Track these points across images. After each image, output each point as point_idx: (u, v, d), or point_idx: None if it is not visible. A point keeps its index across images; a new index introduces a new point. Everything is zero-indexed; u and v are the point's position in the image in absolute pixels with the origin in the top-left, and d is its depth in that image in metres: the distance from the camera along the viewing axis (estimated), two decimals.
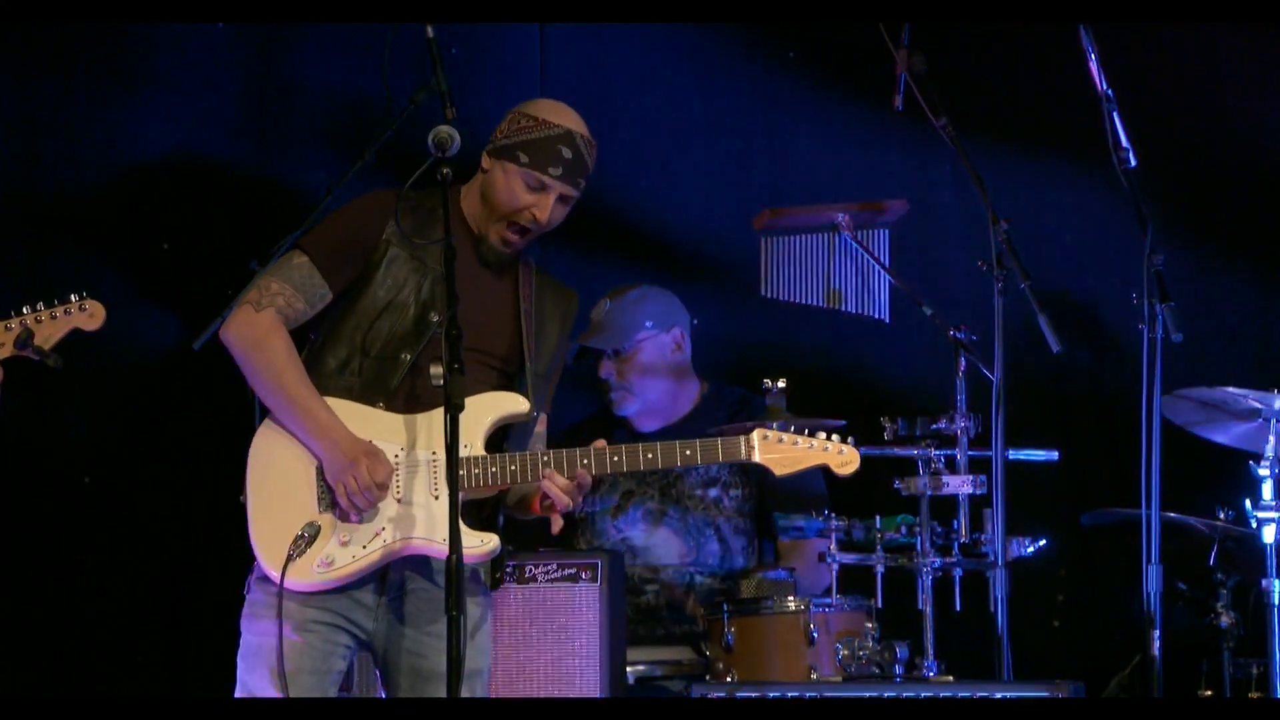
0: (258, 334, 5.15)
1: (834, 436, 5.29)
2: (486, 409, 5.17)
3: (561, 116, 5.26)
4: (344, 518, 5.13)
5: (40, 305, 5.05)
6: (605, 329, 6.87)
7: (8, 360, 5.04)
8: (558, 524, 5.25)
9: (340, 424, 5.13)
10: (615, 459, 5.19)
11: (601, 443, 5.20)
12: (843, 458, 5.29)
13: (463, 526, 4.82)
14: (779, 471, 5.26)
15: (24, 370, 5.11)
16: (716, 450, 5.23)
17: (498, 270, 5.31)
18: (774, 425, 5.28)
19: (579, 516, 6.86)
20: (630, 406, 6.89)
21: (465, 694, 5.03)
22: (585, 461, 5.16)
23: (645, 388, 6.89)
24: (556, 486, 5.15)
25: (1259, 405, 6.14)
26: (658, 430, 6.85)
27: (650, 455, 5.21)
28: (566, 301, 5.45)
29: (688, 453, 5.21)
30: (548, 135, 5.22)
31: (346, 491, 5.08)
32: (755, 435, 5.24)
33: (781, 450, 5.26)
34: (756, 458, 5.24)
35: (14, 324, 5.05)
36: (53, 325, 5.05)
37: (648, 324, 6.89)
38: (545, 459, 5.15)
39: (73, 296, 5.08)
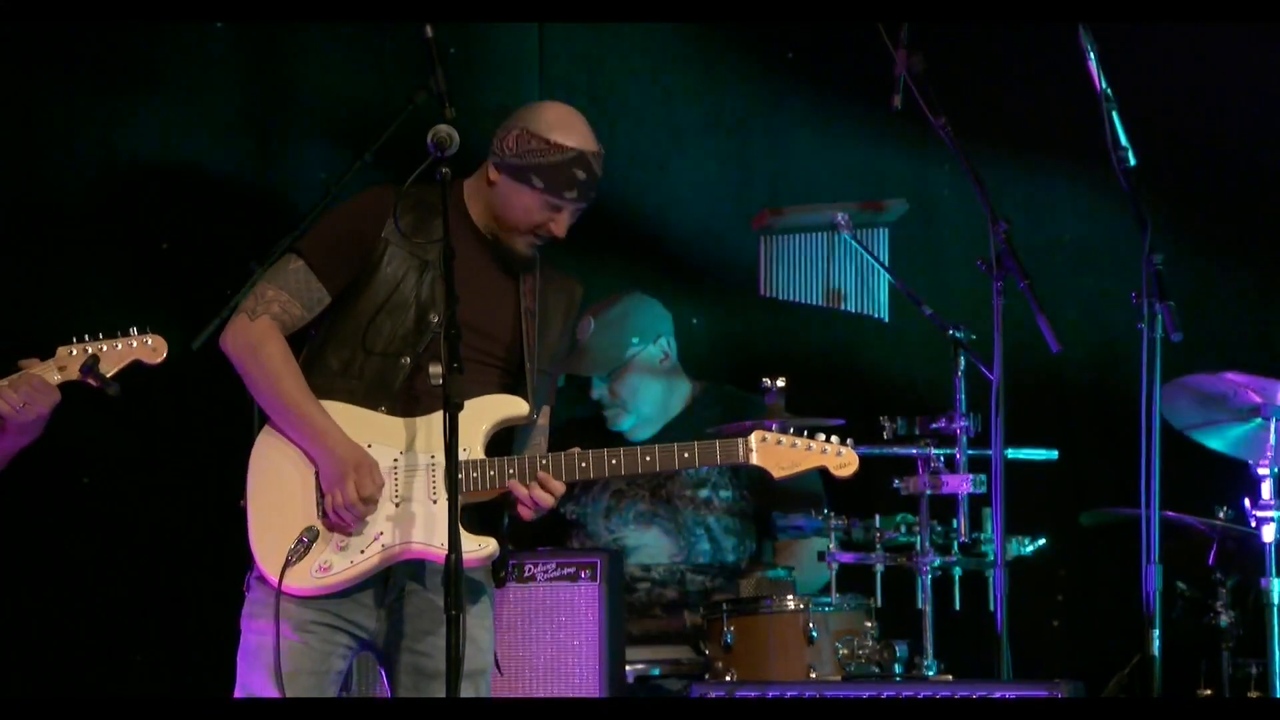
0: (253, 342, 5.14)
1: (833, 438, 5.20)
2: (486, 412, 5.14)
3: (570, 135, 5.17)
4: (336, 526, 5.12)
5: (101, 335, 5.12)
6: (592, 353, 6.81)
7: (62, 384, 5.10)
8: (524, 515, 5.20)
9: (337, 431, 5.11)
10: (613, 462, 5.12)
11: (576, 450, 5.17)
12: (841, 460, 5.19)
13: (461, 530, 4.81)
14: (777, 474, 5.16)
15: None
16: (715, 453, 5.14)
17: (502, 268, 5.28)
18: (772, 425, 5.23)
19: (571, 518, 6.85)
20: (625, 422, 6.86)
21: (470, 693, 5.05)
22: (583, 465, 5.12)
23: (639, 403, 6.86)
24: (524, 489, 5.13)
25: (1259, 399, 6.14)
26: (652, 438, 6.81)
27: (649, 458, 5.13)
28: (570, 291, 5.38)
29: (685, 455, 5.13)
30: (561, 160, 5.14)
31: (333, 506, 5.09)
32: (754, 438, 5.15)
33: (780, 452, 5.16)
34: (755, 460, 5.15)
35: (76, 349, 5.11)
36: (116, 355, 5.14)
37: (634, 341, 6.84)
38: (543, 462, 5.12)
39: (133, 329, 5.15)
